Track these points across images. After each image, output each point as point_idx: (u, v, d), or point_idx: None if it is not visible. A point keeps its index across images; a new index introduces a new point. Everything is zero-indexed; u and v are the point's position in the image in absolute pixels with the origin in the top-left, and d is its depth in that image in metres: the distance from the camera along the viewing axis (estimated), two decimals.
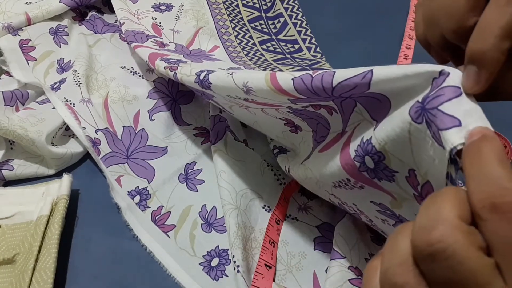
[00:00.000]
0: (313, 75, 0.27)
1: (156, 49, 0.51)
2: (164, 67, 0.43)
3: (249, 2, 0.65)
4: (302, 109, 0.33)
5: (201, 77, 0.36)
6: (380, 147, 0.25)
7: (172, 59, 0.47)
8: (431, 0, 0.23)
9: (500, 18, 0.18)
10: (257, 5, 0.64)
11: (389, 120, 0.24)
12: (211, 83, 0.35)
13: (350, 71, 0.25)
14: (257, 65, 0.53)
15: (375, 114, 0.27)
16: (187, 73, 0.39)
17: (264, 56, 0.56)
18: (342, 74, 0.25)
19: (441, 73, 0.20)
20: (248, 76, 0.31)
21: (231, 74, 0.33)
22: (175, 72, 0.41)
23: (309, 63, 0.55)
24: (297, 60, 0.55)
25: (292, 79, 0.28)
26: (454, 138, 0.18)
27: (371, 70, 0.24)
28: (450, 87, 0.19)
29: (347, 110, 0.29)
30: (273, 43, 0.59)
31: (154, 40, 0.55)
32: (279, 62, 0.55)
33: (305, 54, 0.57)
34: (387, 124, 0.24)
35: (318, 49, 0.58)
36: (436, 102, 0.19)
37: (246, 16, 0.63)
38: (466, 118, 0.18)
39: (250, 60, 0.55)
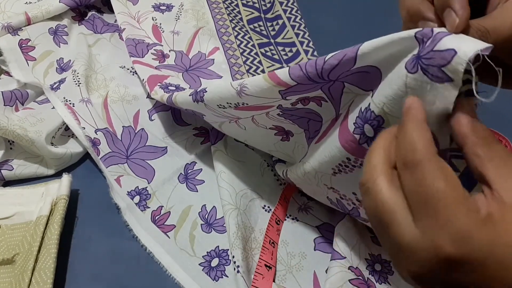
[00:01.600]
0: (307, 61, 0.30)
1: (155, 67, 0.53)
2: (161, 96, 0.45)
3: (249, 1, 0.65)
4: (292, 108, 0.34)
5: (198, 89, 0.38)
6: (379, 110, 0.26)
7: (171, 85, 0.49)
8: None
9: None
10: (256, 5, 0.64)
11: (385, 83, 0.26)
12: (206, 92, 0.37)
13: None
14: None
15: (367, 85, 0.28)
16: (184, 91, 0.42)
17: (262, 66, 0.56)
18: (332, 53, 0.28)
19: (424, 29, 0.23)
20: (246, 79, 0.34)
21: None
22: (170, 95, 0.43)
23: None
24: None
25: (289, 68, 0.30)
26: (461, 57, 0.20)
27: (361, 44, 0.26)
28: (438, 33, 0.22)
29: (336, 94, 0.31)
30: (271, 47, 0.59)
31: (155, 50, 0.55)
32: None
33: (302, 59, 0.57)
34: (384, 86, 0.26)
35: (315, 53, 0.58)
36: (430, 47, 0.22)
37: (246, 16, 0.63)
38: (461, 42, 0.21)
39: (247, 71, 0.55)
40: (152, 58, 0.54)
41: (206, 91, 0.37)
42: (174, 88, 0.49)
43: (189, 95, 0.39)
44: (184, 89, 0.50)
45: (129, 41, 0.55)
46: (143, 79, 0.50)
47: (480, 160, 0.20)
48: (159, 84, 0.49)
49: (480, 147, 0.20)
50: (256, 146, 0.46)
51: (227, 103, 0.36)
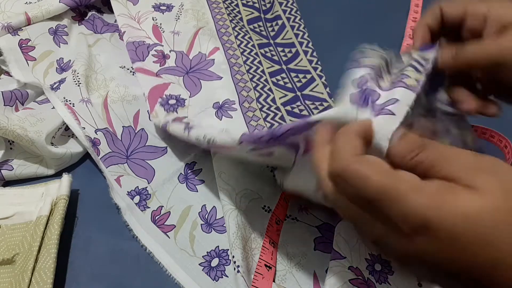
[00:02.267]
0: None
1: (156, 73, 0.53)
2: (159, 120, 0.48)
3: (249, 1, 0.65)
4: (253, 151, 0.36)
5: (195, 123, 0.43)
6: None
7: (171, 98, 0.50)
8: None
9: None
10: (256, 5, 0.64)
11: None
12: (199, 126, 0.41)
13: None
14: (253, 85, 0.54)
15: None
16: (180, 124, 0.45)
17: (262, 66, 0.56)
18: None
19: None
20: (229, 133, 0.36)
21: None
22: (165, 124, 0.46)
23: (304, 81, 0.55)
24: (292, 74, 0.56)
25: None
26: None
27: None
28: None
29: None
30: (271, 48, 0.59)
31: (155, 51, 0.55)
32: (273, 79, 0.55)
33: (301, 59, 0.57)
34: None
35: (314, 54, 0.58)
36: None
37: (246, 16, 0.63)
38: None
39: (247, 71, 0.55)
40: (153, 61, 0.54)
41: (200, 126, 0.40)
42: (174, 102, 0.50)
43: (184, 125, 0.42)
44: (184, 100, 0.51)
45: (129, 45, 0.55)
46: (144, 93, 0.51)
47: (424, 166, 0.22)
48: (159, 99, 0.50)
49: (418, 157, 0.22)
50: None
51: (203, 136, 0.38)
